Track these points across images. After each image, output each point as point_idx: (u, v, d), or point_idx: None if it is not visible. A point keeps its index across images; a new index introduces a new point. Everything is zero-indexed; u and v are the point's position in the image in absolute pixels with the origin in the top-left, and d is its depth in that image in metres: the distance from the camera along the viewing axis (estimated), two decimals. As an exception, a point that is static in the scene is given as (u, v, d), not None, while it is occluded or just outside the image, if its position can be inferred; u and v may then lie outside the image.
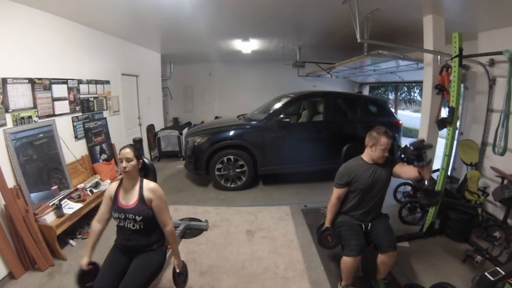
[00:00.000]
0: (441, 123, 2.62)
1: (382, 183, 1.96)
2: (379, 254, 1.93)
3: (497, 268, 1.42)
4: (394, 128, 4.68)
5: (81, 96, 3.43)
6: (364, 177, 1.93)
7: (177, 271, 1.77)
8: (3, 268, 2.16)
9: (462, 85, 2.91)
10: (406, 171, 1.92)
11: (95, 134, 3.67)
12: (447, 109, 2.53)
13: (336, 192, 1.99)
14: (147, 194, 1.65)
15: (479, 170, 3.17)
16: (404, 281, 2.17)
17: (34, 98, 2.68)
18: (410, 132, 8.65)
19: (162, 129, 5.89)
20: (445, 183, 2.67)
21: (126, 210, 1.63)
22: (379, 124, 4.85)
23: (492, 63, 3.05)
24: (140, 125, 5.39)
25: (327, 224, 2.04)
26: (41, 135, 2.74)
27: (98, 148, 3.70)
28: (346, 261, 1.86)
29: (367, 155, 1.97)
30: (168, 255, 2.38)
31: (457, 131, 2.93)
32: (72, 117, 3.29)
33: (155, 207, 1.66)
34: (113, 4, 2.81)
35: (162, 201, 1.68)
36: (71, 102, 3.24)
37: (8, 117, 2.40)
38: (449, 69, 2.50)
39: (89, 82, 3.59)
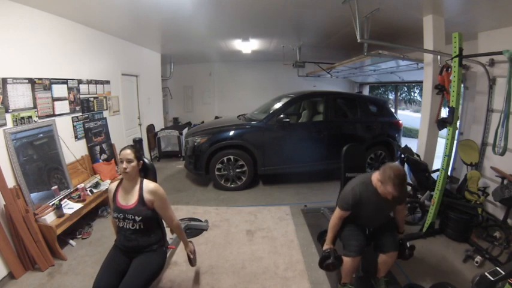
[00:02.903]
0: (441, 123, 2.62)
1: (388, 210, 1.96)
2: (380, 253, 1.93)
3: (497, 268, 1.42)
4: (394, 128, 4.69)
5: (81, 96, 3.43)
6: (369, 209, 1.83)
7: (191, 256, 1.96)
8: (3, 268, 2.16)
9: (462, 85, 2.91)
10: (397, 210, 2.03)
11: (95, 134, 3.67)
12: (447, 109, 2.53)
13: (339, 213, 1.89)
14: (147, 195, 1.66)
15: (479, 170, 3.17)
16: (404, 281, 2.17)
17: (34, 98, 2.68)
18: (410, 132, 8.67)
19: (162, 129, 5.89)
20: (445, 183, 2.68)
21: (125, 210, 1.64)
22: (379, 124, 4.84)
23: (492, 63, 3.05)
24: (140, 125, 5.39)
25: (329, 244, 1.91)
26: (41, 135, 2.74)
27: (98, 148, 3.70)
28: (346, 261, 1.87)
29: (376, 182, 1.78)
30: (168, 255, 2.38)
31: (457, 131, 2.93)
32: (72, 117, 3.29)
33: (158, 208, 1.69)
34: (113, 4, 2.81)
35: (163, 200, 1.71)
36: (71, 102, 3.24)
37: (8, 117, 2.40)
38: (449, 69, 2.50)
39: (89, 82, 3.59)
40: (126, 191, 1.69)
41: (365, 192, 1.81)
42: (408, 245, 1.98)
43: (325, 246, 1.93)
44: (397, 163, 1.86)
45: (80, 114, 3.43)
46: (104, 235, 2.85)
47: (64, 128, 3.11)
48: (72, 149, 3.17)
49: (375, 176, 1.78)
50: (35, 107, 2.69)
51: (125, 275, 1.57)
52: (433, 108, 3.09)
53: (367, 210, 1.84)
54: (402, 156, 3.28)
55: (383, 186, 1.70)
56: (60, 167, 2.93)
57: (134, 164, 1.65)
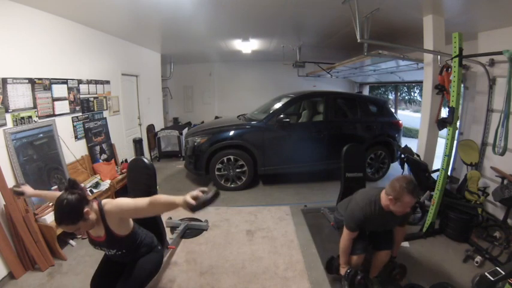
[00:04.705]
0: (441, 123, 2.62)
1: (393, 225, 1.97)
2: (375, 250, 1.96)
3: (497, 268, 1.42)
4: (394, 128, 4.69)
5: (81, 96, 3.43)
6: (376, 224, 1.88)
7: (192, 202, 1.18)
8: (3, 268, 2.16)
9: (462, 85, 2.91)
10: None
11: (95, 134, 3.67)
12: (447, 109, 2.53)
13: (349, 235, 1.88)
14: (110, 222, 1.39)
15: (479, 170, 3.17)
16: (404, 281, 2.17)
17: (34, 98, 2.68)
18: (410, 132, 8.67)
19: (162, 129, 5.89)
20: (445, 183, 2.67)
21: (98, 242, 1.47)
22: (379, 124, 4.84)
23: (492, 63, 3.05)
24: (140, 125, 5.39)
25: (344, 266, 1.93)
26: (41, 135, 2.74)
27: (97, 148, 3.70)
28: (353, 259, 1.92)
29: (384, 202, 1.76)
30: (168, 254, 2.39)
31: (457, 131, 2.93)
32: (72, 117, 3.29)
33: (127, 216, 1.43)
34: (113, 4, 2.81)
35: (120, 208, 1.35)
36: (71, 102, 3.24)
37: (8, 117, 2.40)
38: (449, 69, 2.50)
39: (89, 82, 3.59)
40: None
41: (373, 213, 1.80)
42: (397, 265, 2.00)
43: (343, 270, 1.93)
44: (400, 175, 1.86)
45: (80, 114, 3.43)
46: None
47: (64, 128, 3.11)
48: (72, 149, 3.17)
49: (384, 195, 1.76)
50: (35, 107, 2.69)
51: (121, 275, 1.56)
52: (433, 108, 3.08)
53: (374, 225, 1.90)
54: (402, 156, 3.28)
55: (399, 202, 1.65)
56: (60, 167, 2.93)
57: (82, 223, 1.27)
